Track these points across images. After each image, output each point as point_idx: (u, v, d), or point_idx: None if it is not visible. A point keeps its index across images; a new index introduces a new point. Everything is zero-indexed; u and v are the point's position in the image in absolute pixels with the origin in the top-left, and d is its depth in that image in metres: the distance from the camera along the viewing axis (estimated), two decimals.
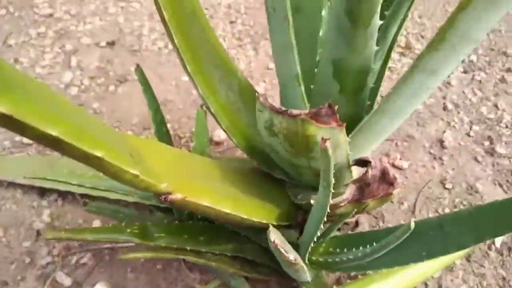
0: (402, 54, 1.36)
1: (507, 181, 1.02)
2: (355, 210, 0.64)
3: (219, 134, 1.09)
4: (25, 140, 1.06)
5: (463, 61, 1.33)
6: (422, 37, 1.43)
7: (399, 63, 1.33)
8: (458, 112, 1.17)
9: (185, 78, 1.25)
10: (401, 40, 1.41)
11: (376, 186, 0.61)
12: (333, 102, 0.57)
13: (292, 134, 0.54)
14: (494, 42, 1.40)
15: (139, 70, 0.74)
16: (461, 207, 0.97)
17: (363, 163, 0.61)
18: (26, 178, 0.92)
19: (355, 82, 0.60)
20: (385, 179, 0.62)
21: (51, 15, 1.45)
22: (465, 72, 1.30)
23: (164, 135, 0.79)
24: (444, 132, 1.12)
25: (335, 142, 0.53)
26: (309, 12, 0.71)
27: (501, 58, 1.34)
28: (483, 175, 1.03)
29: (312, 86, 0.66)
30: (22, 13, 1.46)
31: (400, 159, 1.06)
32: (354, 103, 0.63)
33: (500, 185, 1.01)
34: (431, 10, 1.53)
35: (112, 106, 1.17)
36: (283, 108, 0.53)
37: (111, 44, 1.34)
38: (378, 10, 0.49)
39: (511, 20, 1.46)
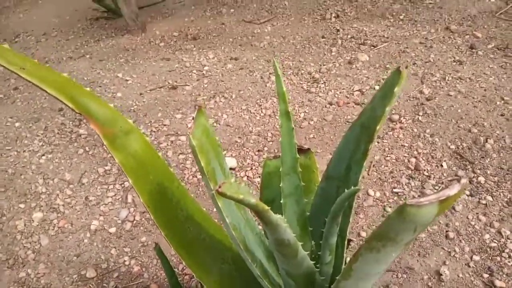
0: (410, 177, 1.48)
1: None
2: None
3: None
4: (88, 275, 1.34)
5: (470, 182, 1.42)
6: (432, 157, 1.54)
7: (407, 187, 1.45)
8: (460, 241, 1.26)
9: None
10: (412, 161, 1.53)
11: None
12: None
13: None
14: (505, 160, 1.47)
15: (157, 247, 0.97)
16: None
17: None
18: None
19: (304, 281, 0.77)
20: None
21: None
22: (471, 195, 1.38)
23: None
24: (444, 262, 1.21)
25: None
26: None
27: (510, 178, 1.41)
28: None
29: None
30: (95, 151, 1.83)
31: None
32: None
33: None
34: (443, 128, 1.64)
35: (157, 239, 1.43)
36: None
37: (148, 213, 1.63)
38: (299, 248, 0.68)
39: None
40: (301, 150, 0.87)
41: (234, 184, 0.51)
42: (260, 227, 0.88)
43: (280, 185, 0.82)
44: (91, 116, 0.74)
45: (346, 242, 0.85)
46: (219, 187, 0.47)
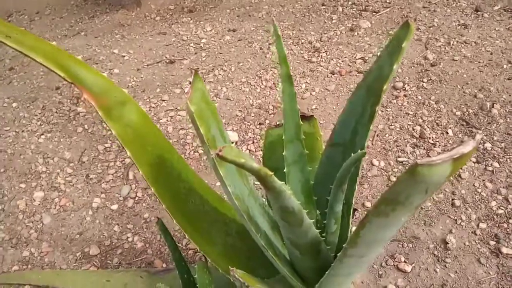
0: (415, 145, 1.45)
1: None
2: None
3: None
4: (91, 252, 1.33)
5: (477, 149, 1.39)
6: (438, 124, 1.51)
7: (412, 156, 1.42)
8: (466, 209, 1.24)
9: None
10: (416, 130, 1.50)
11: None
12: (298, 261, 0.73)
13: None
14: None
15: (160, 222, 0.95)
16: None
17: None
18: None
19: (310, 250, 0.75)
20: None
21: None
22: (477, 162, 1.35)
23: (184, 271, 0.99)
24: (450, 231, 1.19)
25: None
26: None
27: None
28: (486, 278, 1.08)
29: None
30: (94, 128, 1.80)
31: (404, 261, 1.15)
32: (316, 261, 0.78)
33: None
34: (448, 94, 1.60)
35: (160, 214, 1.42)
36: (247, 284, 0.70)
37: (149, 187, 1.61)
38: (304, 216, 0.65)
39: None
40: (304, 117, 0.84)
41: (235, 148, 0.48)
42: (264, 199, 0.86)
43: (283, 153, 0.79)
44: (84, 86, 0.71)
45: (352, 211, 0.83)
46: (220, 150, 0.44)
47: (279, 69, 0.71)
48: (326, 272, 0.74)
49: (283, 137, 0.76)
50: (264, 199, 0.84)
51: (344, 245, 0.66)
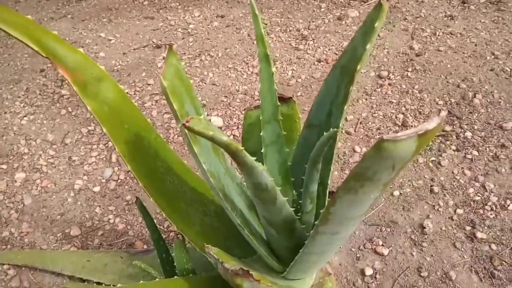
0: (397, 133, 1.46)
1: (484, 268, 1.09)
2: None
3: None
4: (72, 233, 1.33)
5: (457, 138, 1.41)
6: (420, 113, 1.52)
7: None
8: (444, 195, 1.26)
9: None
10: (399, 118, 1.52)
11: None
12: (274, 239, 0.75)
13: (228, 280, 0.72)
14: (492, 114, 1.46)
15: (139, 202, 0.96)
16: None
17: None
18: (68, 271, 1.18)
19: (285, 228, 0.76)
20: None
21: None
22: (457, 150, 1.37)
23: (162, 251, 0.99)
24: (427, 216, 1.21)
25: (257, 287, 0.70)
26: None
27: (496, 133, 1.40)
28: (460, 262, 1.11)
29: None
30: (78, 111, 1.79)
31: (382, 245, 1.17)
32: (291, 239, 0.79)
33: (477, 273, 1.08)
34: (432, 84, 1.62)
35: (141, 197, 1.42)
36: (221, 260, 0.71)
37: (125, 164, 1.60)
38: (277, 194, 0.66)
39: (511, 91, 1.50)
40: (282, 99, 0.85)
41: (205, 120, 0.48)
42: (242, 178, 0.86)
43: (261, 134, 0.79)
44: (59, 61, 0.70)
45: (327, 192, 0.84)
46: (187, 121, 0.44)
47: (256, 48, 0.71)
48: (300, 250, 0.75)
49: (260, 118, 0.77)
50: (241, 178, 0.84)
51: (315, 222, 0.67)
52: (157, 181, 0.83)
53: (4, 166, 1.58)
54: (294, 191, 0.86)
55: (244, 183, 0.85)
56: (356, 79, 0.62)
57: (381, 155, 0.48)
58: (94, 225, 1.36)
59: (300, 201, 0.80)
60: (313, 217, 0.83)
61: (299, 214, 0.78)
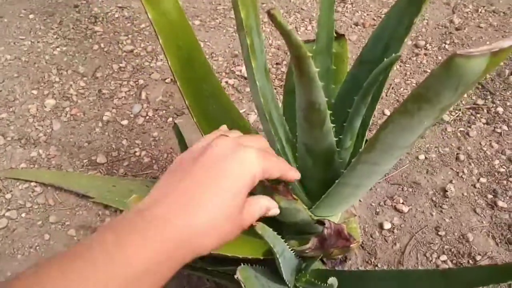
0: None
1: (502, 234, 1.11)
2: (322, 255, 0.82)
3: None
4: (98, 160, 1.36)
5: (488, 112, 1.41)
6: None
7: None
8: (470, 164, 1.27)
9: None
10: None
11: (334, 240, 0.79)
12: (309, 170, 0.76)
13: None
14: None
15: (176, 126, 0.97)
16: (449, 253, 1.08)
17: (321, 223, 0.78)
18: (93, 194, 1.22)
19: (323, 159, 0.78)
20: (341, 236, 0.79)
21: (131, 51, 1.76)
22: (487, 123, 1.37)
23: None
24: (451, 181, 1.23)
25: (295, 208, 0.72)
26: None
27: None
28: (478, 226, 1.12)
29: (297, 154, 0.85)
30: (110, 48, 1.79)
31: (402, 203, 1.19)
32: (327, 172, 0.81)
33: (494, 238, 1.10)
34: None
35: (168, 135, 1.44)
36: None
37: (174, 80, 1.62)
38: (327, 117, 0.67)
39: None
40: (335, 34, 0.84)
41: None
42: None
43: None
44: None
45: (366, 133, 0.85)
46: (272, 9, 0.45)
47: None
48: (336, 181, 0.77)
49: (313, 47, 0.77)
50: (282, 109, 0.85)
51: (360, 150, 0.68)
52: (201, 103, 0.84)
53: (35, 92, 1.60)
54: (334, 129, 0.87)
55: (284, 117, 0.86)
56: (424, 9, 0.62)
57: (449, 72, 0.48)
58: (120, 155, 1.39)
59: (340, 136, 0.81)
60: (349, 155, 0.84)
61: (338, 149, 0.79)
